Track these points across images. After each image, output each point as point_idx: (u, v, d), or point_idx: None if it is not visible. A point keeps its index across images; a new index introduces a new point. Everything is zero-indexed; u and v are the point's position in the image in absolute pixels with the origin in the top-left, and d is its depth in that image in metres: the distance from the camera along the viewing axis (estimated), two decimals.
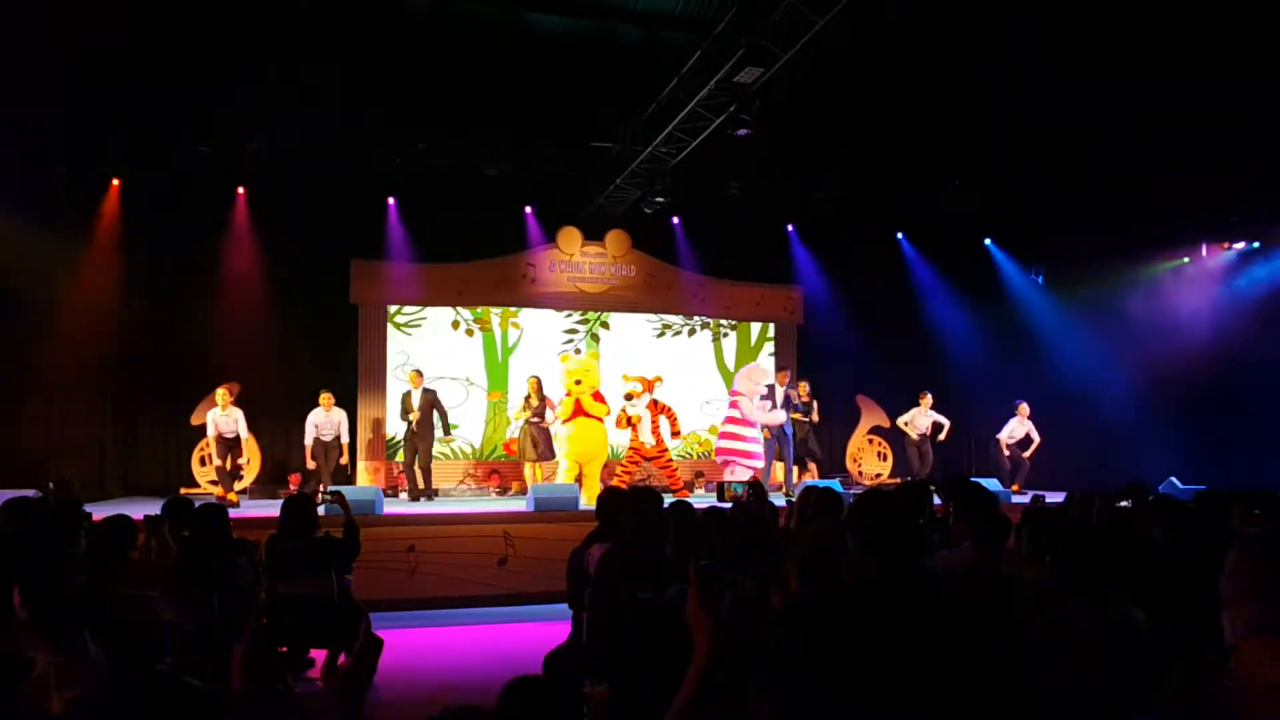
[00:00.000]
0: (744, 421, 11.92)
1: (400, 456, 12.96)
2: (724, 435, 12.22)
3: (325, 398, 11.32)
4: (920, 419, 13.02)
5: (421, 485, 11.49)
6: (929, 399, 13.02)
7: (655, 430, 12.24)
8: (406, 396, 11.65)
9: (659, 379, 12.75)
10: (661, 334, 14.60)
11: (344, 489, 9.54)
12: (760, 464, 11.85)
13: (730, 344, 15.00)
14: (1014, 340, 14.29)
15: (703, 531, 4.68)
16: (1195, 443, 12.16)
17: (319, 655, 5.79)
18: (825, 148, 12.37)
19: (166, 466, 11.96)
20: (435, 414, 11.64)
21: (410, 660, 6.74)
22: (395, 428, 12.95)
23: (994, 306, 14.68)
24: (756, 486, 6.24)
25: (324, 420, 11.31)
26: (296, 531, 5.46)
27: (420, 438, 11.51)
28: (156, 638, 4.38)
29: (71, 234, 11.23)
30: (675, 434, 12.62)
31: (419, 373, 11.87)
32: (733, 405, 12.22)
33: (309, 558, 5.34)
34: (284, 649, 5.34)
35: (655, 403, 12.43)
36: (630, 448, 12.29)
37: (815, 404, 12.69)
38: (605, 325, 14.33)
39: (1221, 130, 10.42)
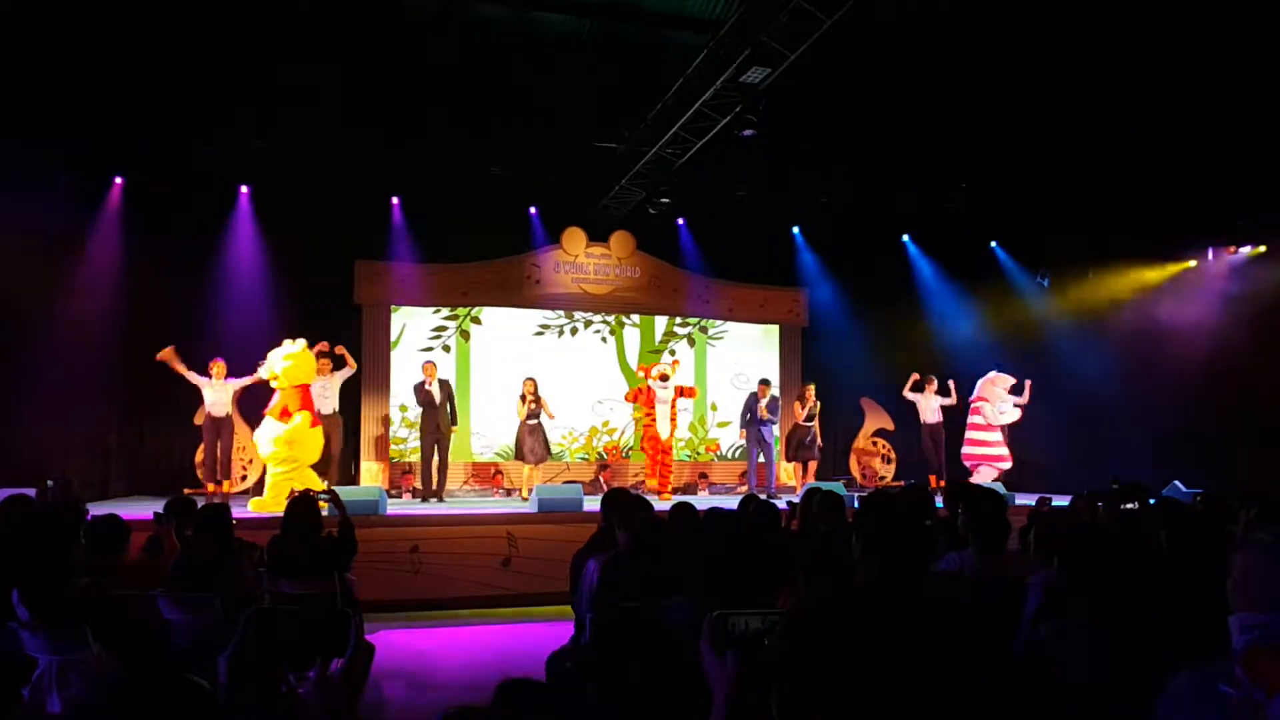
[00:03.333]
0: (987, 426, 12.09)
1: (401, 455, 12.99)
2: (969, 442, 12.31)
3: (322, 363, 10.99)
4: (926, 403, 13.00)
5: (436, 485, 11.33)
6: (934, 384, 12.98)
7: (673, 420, 12.23)
8: (422, 388, 11.45)
9: (677, 363, 12.77)
10: (541, 333, 14.10)
11: (347, 489, 9.58)
12: (1008, 464, 12.00)
13: (633, 338, 14.52)
14: (1019, 343, 14.26)
15: (705, 535, 4.67)
16: (1198, 447, 12.12)
17: None
18: (831, 149, 12.34)
19: (170, 466, 11.95)
20: (449, 406, 11.47)
21: (413, 661, 6.74)
22: (397, 426, 13.00)
23: (1000, 309, 14.65)
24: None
25: (322, 385, 10.93)
26: (300, 532, 5.44)
27: (441, 432, 11.34)
28: (158, 638, 4.37)
29: (74, 233, 11.23)
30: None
31: (434, 364, 11.74)
32: (975, 411, 12.26)
33: (313, 558, 5.33)
34: (285, 651, 5.32)
35: (680, 389, 12.44)
36: (649, 438, 12.20)
37: (817, 406, 12.70)
38: (477, 321, 13.83)
39: (1229, 134, 10.38)
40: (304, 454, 9.62)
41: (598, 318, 14.29)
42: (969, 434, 12.30)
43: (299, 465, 9.58)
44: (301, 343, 9.79)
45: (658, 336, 14.64)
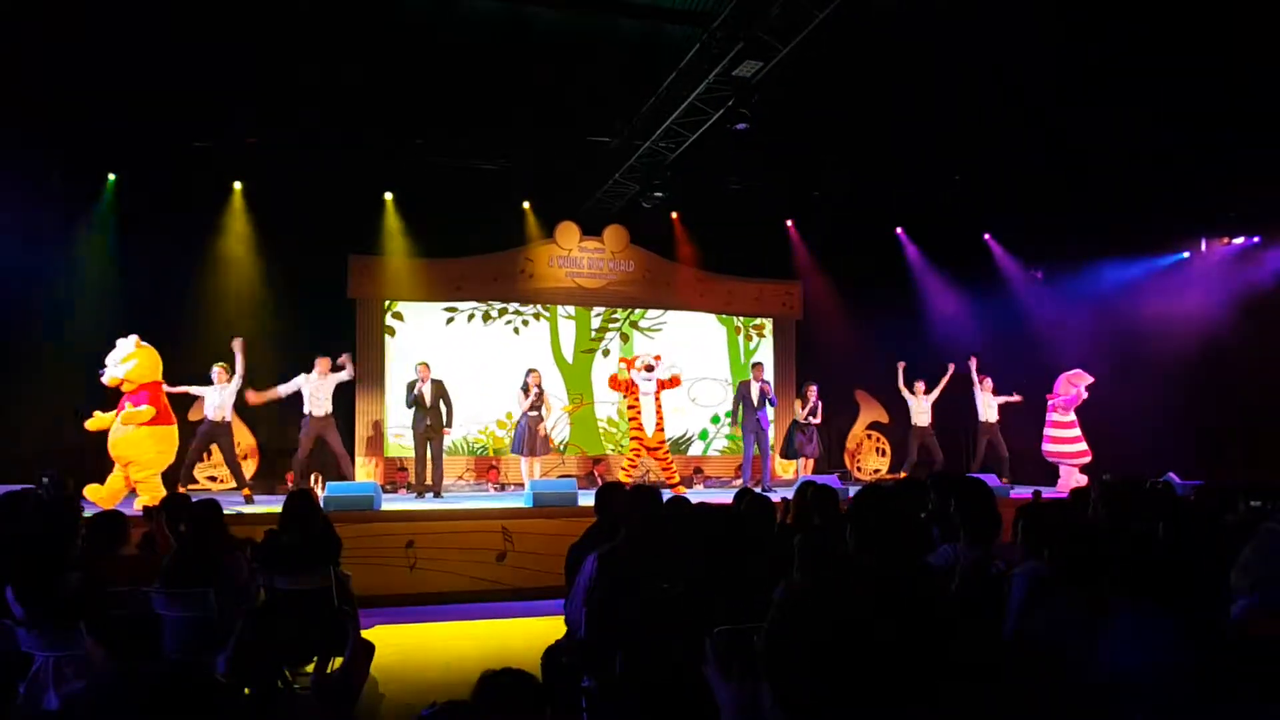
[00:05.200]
0: (1063, 424, 12.19)
1: (394, 451, 12.97)
2: (1048, 440, 12.37)
3: (322, 361, 10.84)
4: (917, 405, 13.03)
5: (430, 481, 11.20)
6: (923, 385, 13.02)
7: (659, 417, 12.18)
8: (414, 387, 11.38)
9: (658, 358, 12.67)
10: (451, 318, 13.75)
11: (341, 484, 9.58)
12: (1088, 459, 12.06)
13: (569, 330, 14.22)
14: (1013, 335, 14.28)
15: (700, 530, 4.67)
16: (1192, 438, 12.17)
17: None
18: (824, 142, 12.34)
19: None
20: (443, 405, 11.35)
21: (409, 656, 6.74)
22: (394, 421, 12.97)
23: (993, 301, 14.67)
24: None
25: (317, 386, 10.75)
26: (296, 527, 5.44)
27: (434, 431, 11.23)
28: (153, 634, 4.37)
29: (68, 229, 11.21)
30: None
31: (427, 365, 11.56)
32: (1051, 409, 12.36)
33: (305, 552, 5.33)
34: (283, 648, 5.32)
35: (661, 382, 12.37)
36: (632, 437, 12.18)
37: (819, 406, 12.73)
38: (399, 317, 13.53)
39: (1221, 124, 10.40)
40: (140, 451, 9.16)
41: (512, 306, 13.93)
42: (1048, 431, 12.35)
43: (144, 465, 9.17)
44: (134, 339, 9.40)
45: (593, 327, 14.36)
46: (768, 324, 15.18)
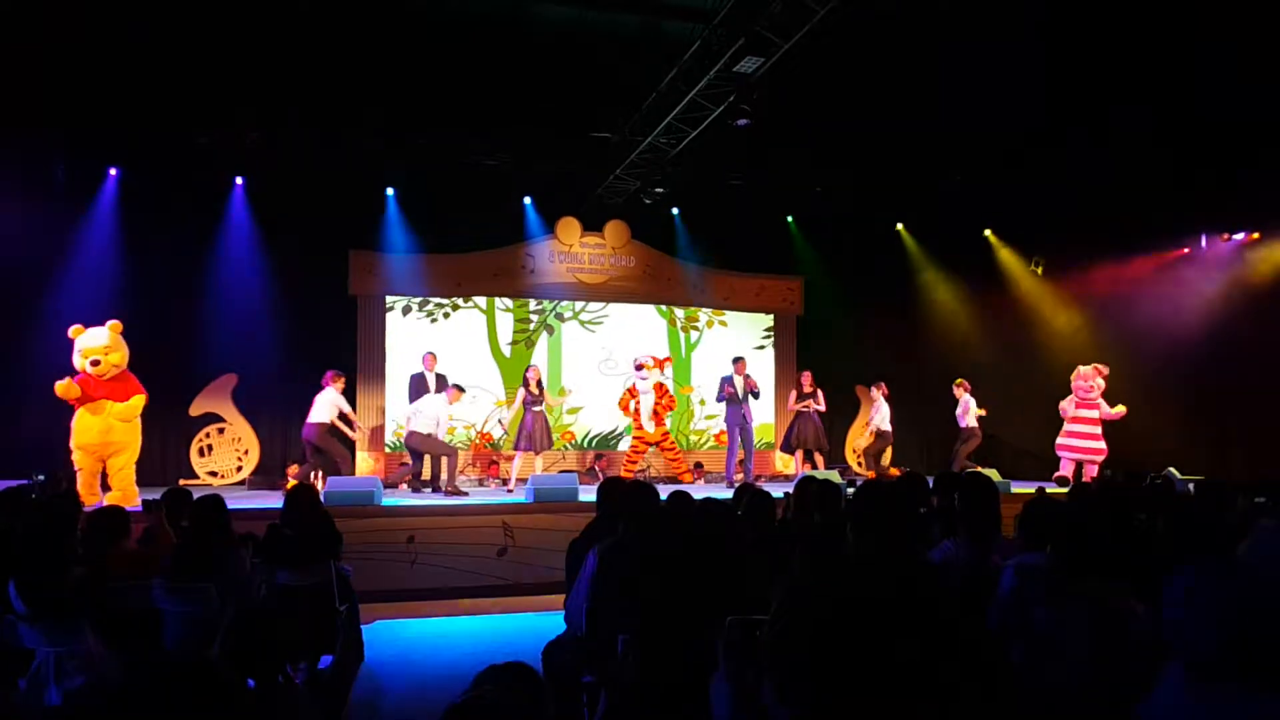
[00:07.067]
0: (1079, 420, 12.29)
1: (396, 446, 12.96)
2: (1065, 434, 12.44)
3: (429, 358, 11.49)
4: (876, 416, 13.05)
5: (429, 475, 11.00)
6: (883, 388, 13.05)
7: (658, 415, 12.24)
8: (421, 379, 11.22)
9: (669, 359, 12.64)
10: (390, 308, 13.35)
11: (343, 479, 9.59)
12: (1102, 456, 12.13)
13: (506, 323, 13.87)
14: (1013, 331, 14.27)
15: (700, 526, 4.67)
16: (1192, 434, 12.16)
17: None
18: (825, 138, 12.34)
19: (165, 458, 11.94)
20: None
21: (409, 651, 6.76)
22: (395, 417, 12.95)
23: (993, 297, 14.66)
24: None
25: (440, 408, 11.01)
26: (297, 522, 5.45)
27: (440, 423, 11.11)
28: (154, 629, 4.37)
29: (69, 224, 11.22)
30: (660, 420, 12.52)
31: (434, 355, 11.52)
32: (1066, 404, 12.46)
33: (307, 547, 5.34)
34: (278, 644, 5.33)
35: (660, 385, 12.44)
36: (634, 437, 12.26)
37: (819, 393, 12.68)
38: None
39: (1223, 121, 10.38)
40: (131, 438, 9.06)
41: (434, 301, 13.54)
42: (1067, 426, 12.41)
43: (132, 453, 9.07)
44: (113, 324, 9.19)
45: (532, 318, 14.08)
46: (702, 315, 14.91)
